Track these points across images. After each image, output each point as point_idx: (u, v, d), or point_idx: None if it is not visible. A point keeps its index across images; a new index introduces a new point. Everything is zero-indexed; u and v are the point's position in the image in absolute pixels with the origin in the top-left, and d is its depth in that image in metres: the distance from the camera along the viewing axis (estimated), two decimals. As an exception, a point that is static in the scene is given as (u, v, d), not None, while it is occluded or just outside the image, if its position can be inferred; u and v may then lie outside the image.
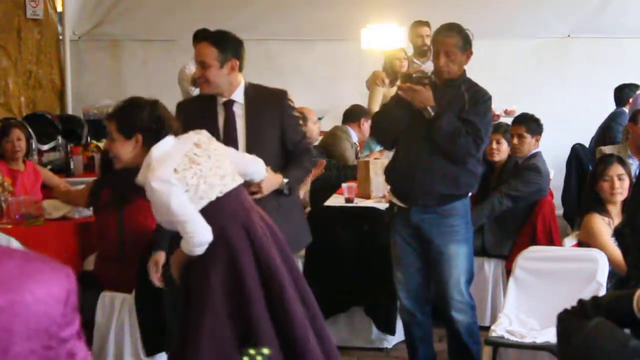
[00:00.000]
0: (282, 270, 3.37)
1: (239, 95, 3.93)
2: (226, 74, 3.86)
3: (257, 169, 3.69)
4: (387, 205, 5.25)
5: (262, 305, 3.29)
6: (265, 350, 1.63)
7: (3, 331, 1.38)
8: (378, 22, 7.71)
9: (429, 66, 7.03)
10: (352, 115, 6.88)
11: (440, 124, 4.10)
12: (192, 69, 6.23)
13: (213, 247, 3.31)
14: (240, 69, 3.94)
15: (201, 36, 3.96)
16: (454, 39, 4.17)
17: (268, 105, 3.98)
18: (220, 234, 3.31)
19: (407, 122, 4.24)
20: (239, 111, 3.93)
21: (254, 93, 3.97)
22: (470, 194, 4.39)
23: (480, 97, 4.22)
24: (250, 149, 3.85)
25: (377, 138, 4.77)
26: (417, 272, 4.35)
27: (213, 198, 3.32)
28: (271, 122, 3.93)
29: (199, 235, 3.26)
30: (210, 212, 3.31)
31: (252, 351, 1.60)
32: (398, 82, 4.49)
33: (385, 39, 7.56)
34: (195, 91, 6.80)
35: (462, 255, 4.26)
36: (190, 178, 3.26)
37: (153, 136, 3.34)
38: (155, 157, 3.29)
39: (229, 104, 3.93)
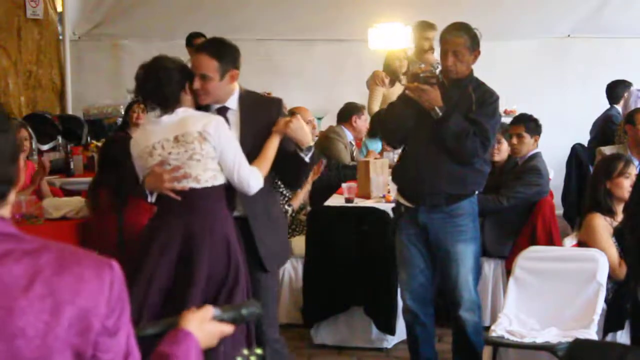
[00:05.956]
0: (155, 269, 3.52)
1: (233, 103, 3.81)
2: (226, 85, 3.74)
3: (242, 186, 3.63)
4: (386, 205, 5.27)
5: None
6: (259, 351, 1.61)
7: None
8: (382, 22, 7.69)
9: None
10: (344, 114, 6.97)
11: (447, 125, 4.09)
12: None
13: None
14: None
15: (200, 47, 3.79)
16: (462, 39, 4.15)
17: (263, 113, 3.86)
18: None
19: (414, 122, 4.22)
20: (232, 118, 3.80)
21: (249, 100, 3.87)
22: (477, 192, 4.38)
23: (487, 98, 4.22)
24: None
25: (384, 136, 4.75)
26: (420, 273, 4.34)
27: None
28: (267, 130, 3.79)
29: None
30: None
31: (245, 352, 1.59)
32: (404, 81, 4.46)
33: (392, 39, 7.50)
34: None
35: (469, 254, 4.26)
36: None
37: None
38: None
39: (223, 110, 3.80)
